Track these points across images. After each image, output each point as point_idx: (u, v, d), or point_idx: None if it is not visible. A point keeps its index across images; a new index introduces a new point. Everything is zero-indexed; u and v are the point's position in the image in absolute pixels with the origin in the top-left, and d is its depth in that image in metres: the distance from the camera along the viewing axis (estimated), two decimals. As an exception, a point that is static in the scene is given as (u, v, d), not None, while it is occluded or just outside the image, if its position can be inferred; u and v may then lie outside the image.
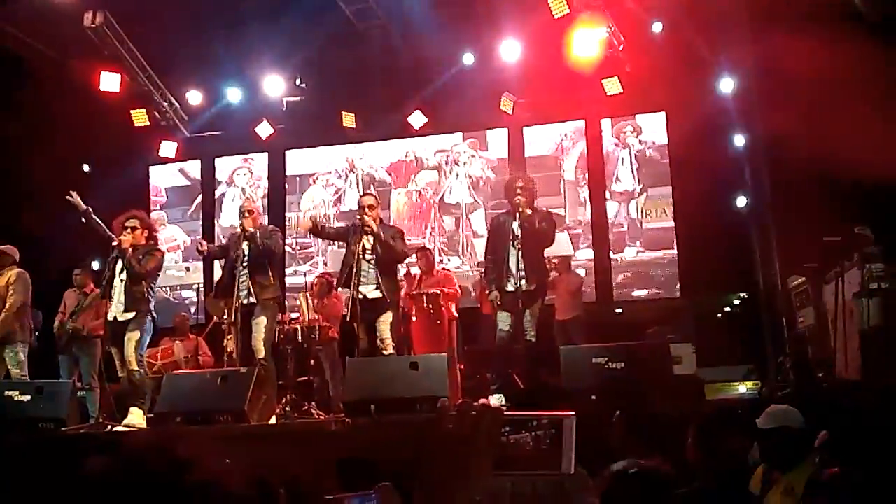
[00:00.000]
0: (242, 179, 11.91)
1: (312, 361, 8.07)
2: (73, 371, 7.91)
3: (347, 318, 6.44)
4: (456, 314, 8.25)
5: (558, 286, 8.63)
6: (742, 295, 10.51)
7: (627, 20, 9.65)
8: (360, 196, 7.13)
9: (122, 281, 6.32)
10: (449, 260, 10.76)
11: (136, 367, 6.19)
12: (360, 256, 6.42)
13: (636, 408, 4.83)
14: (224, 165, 11.93)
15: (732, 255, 9.86)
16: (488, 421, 1.25)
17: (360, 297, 6.35)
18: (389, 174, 11.46)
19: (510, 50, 10.07)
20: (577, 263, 10.04)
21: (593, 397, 5.34)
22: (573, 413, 1.41)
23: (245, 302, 6.44)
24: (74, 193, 6.63)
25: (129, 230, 6.37)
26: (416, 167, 11.39)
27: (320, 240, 11.29)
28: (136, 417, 6.07)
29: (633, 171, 10.62)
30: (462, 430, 1.22)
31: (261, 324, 6.37)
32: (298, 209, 11.61)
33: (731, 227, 9.97)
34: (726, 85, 9.89)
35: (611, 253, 10.48)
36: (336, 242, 11.30)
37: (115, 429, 6.22)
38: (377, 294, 6.41)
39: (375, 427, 5.53)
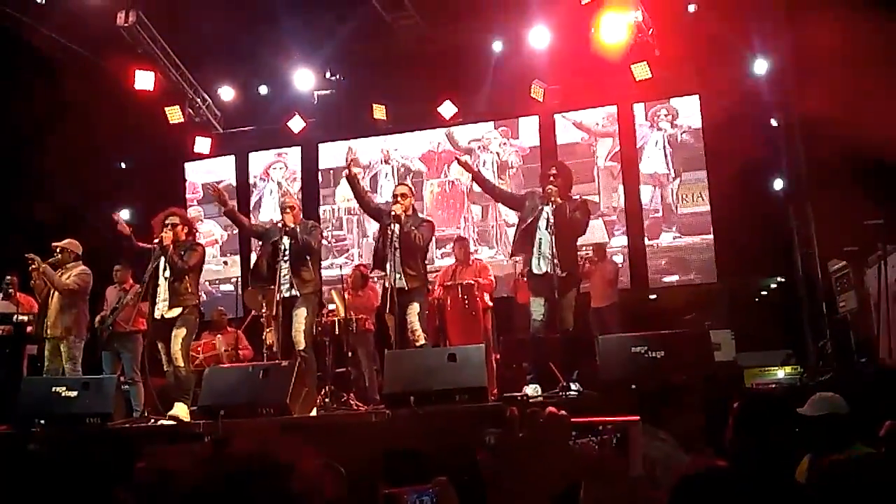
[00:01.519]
0: (278, 174, 12.01)
1: (350, 353, 8.15)
2: (116, 366, 8.06)
3: (386, 310, 6.48)
4: (490, 304, 8.26)
5: (594, 274, 8.59)
6: (779, 279, 10.39)
7: (657, 3, 9.54)
8: (395, 185, 7.14)
9: (165, 279, 6.41)
10: (478, 250, 10.73)
11: (181, 364, 6.29)
12: (390, 244, 6.48)
13: (676, 396, 4.81)
14: (258, 160, 12.03)
15: (769, 239, 9.74)
16: (557, 429, 1.26)
17: (392, 286, 6.40)
18: (422, 165, 11.47)
19: (539, 37, 10.01)
20: (612, 250, 9.97)
21: (633, 387, 5.31)
22: (639, 418, 1.41)
23: (286, 295, 6.51)
24: (118, 216, 6.72)
25: (169, 227, 6.46)
26: (448, 157, 11.38)
27: (354, 233, 11.38)
28: (180, 411, 6.18)
29: (666, 156, 10.52)
30: (532, 440, 1.23)
31: (301, 316, 6.43)
32: (333, 202, 11.67)
33: (767, 211, 9.84)
34: (760, 67, 9.75)
35: (646, 239, 10.40)
36: (369, 235, 11.39)
37: (159, 422, 6.34)
38: (401, 283, 6.45)
39: (416, 418, 5.56)
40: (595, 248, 8.99)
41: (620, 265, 9.77)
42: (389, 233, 6.49)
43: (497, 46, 10.50)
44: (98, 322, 8.03)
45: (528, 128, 11.10)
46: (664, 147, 10.53)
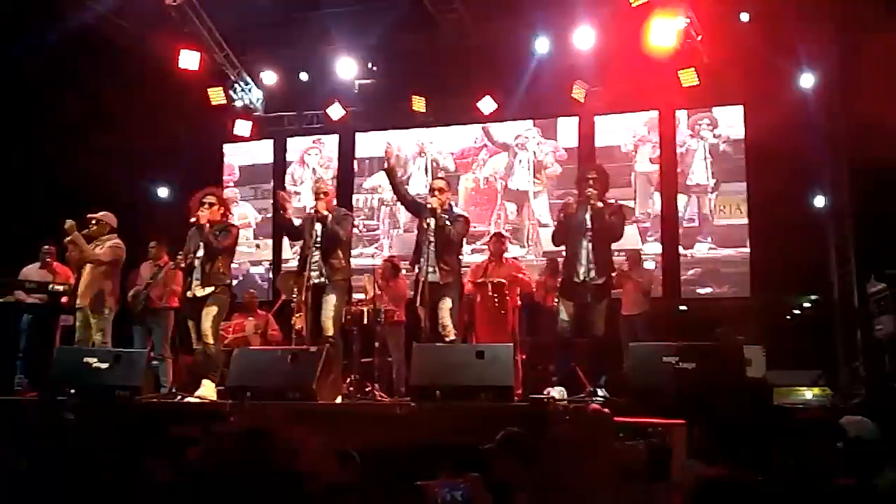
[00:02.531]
0: (313, 159, 12.07)
1: (377, 343, 8.17)
2: (147, 341, 8.16)
3: (417, 302, 6.47)
4: (519, 303, 8.23)
5: (627, 281, 8.52)
6: (814, 297, 10.24)
7: (707, 10, 9.42)
8: (433, 181, 7.11)
9: (198, 257, 6.46)
10: (508, 248, 10.67)
11: (211, 341, 6.33)
12: (425, 238, 6.46)
13: (706, 410, 4.75)
14: (295, 145, 12.10)
15: (807, 256, 9.58)
16: (601, 426, 1.24)
17: (424, 280, 6.40)
18: (457, 160, 11.46)
19: (584, 37, 9.94)
20: (644, 257, 9.88)
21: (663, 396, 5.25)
22: (685, 422, 1.39)
23: (316, 282, 6.52)
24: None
25: (206, 206, 6.49)
26: (484, 153, 11.35)
27: (386, 223, 11.41)
28: (207, 389, 6.23)
29: (706, 166, 10.40)
30: (576, 436, 1.21)
31: (330, 302, 6.43)
32: (367, 192, 11.71)
33: (806, 227, 9.69)
34: (807, 80, 9.59)
35: (680, 248, 10.30)
36: (400, 226, 11.41)
37: (186, 399, 6.41)
38: (435, 277, 6.43)
39: (441, 413, 5.56)
40: (628, 255, 8.91)
41: (654, 273, 9.68)
42: (425, 226, 6.48)
43: (540, 45, 10.44)
44: (131, 297, 8.13)
45: (567, 128, 11.03)
46: (705, 157, 10.41)
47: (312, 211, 6.68)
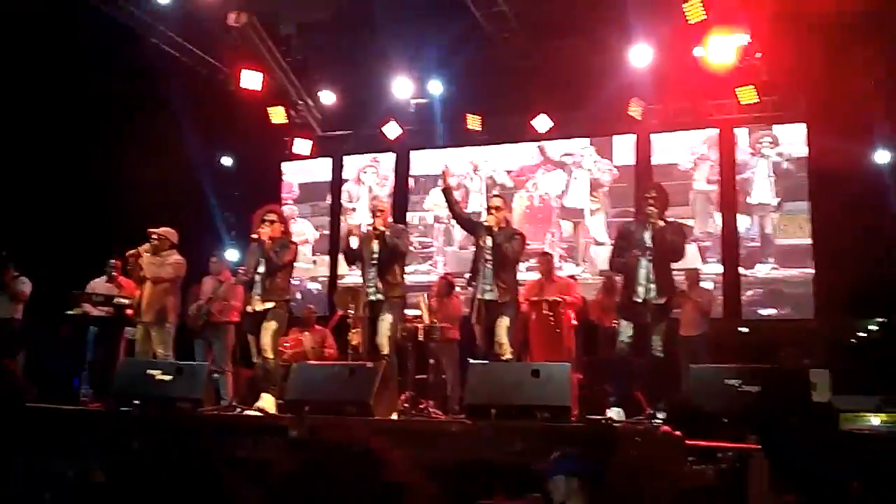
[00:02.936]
0: (370, 177, 12.21)
1: (431, 361, 8.19)
2: (207, 355, 8.33)
3: (472, 320, 6.48)
4: (575, 322, 8.17)
5: (686, 301, 8.38)
6: (880, 320, 9.91)
7: (767, 27, 9.28)
8: (490, 197, 7.13)
9: (259, 274, 6.57)
10: (562, 266, 10.62)
11: (271, 356, 6.43)
12: (482, 256, 6.47)
13: (772, 435, 4.63)
14: (352, 163, 12.26)
15: (872, 278, 9.29)
16: (672, 449, 1.22)
17: (481, 299, 6.39)
18: (512, 178, 11.46)
19: (641, 54, 9.88)
20: (704, 277, 9.70)
21: (724, 420, 5.14)
22: (760, 447, 1.36)
23: (373, 299, 6.58)
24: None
25: (267, 223, 6.61)
26: (539, 171, 11.33)
27: (440, 240, 11.47)
28: (267, 403, 6.31)
29: (769, 184, 10.19)
30: (646, 458, 1.20)
31: (387, 321, 6.48)
32: (423, 209, 11.79)
33: (872, 247, 9.40)
34: (873, 96, 9.34)
35: (741, 268, 10.09)
36: (454, 243, 11.44)
37: (245, 412, 6.51)
38: (492, 296, 6.42)
39: (496, 431, 5.54)
40: (687, 274, 8.77)
41: (713, 294, 9.49)
42: (482, 244, 6.49)
43: (597, 62, 10.40)
44: (193, 311, 8.31)
45: (624, 146, 10.94)
46: (768, 176, 10.20)
47: (370, 228, 6.75)
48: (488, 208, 6.73)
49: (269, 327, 6.46)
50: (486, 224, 6.52)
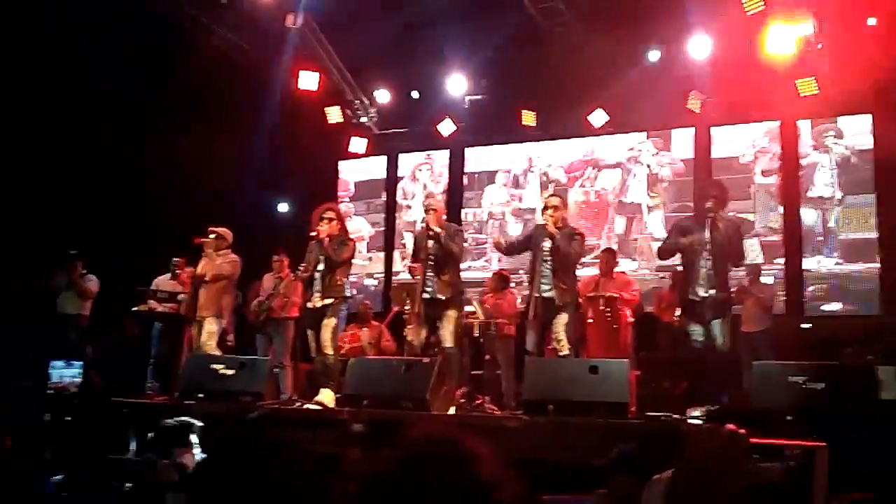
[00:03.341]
0: (424, 175, 12.28)
1: (487, 356, 8.22)
2: (268, 350, 8.52)
3: (529, 317, 6.47)
4: (632, 319, 8.10)
5: (747, 296, 8.22)
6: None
7: (829, 16, 9.02)
8: (547, 196, 7.09)
9: (319, 271, 6.68)
10: (619, 262, 10.48)
11: (330, 352, 6.53)
12: (540, 257, 6.45)
13: (836, 434, 4.52)
14: (407, 161, 12.35)
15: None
16: (736, 447, 1.22)
17: (538, 297, 6.38)
18: (567, 174, 11.39)
19: (699, 46, 9.71)
20: (765, 272, 9.49)
21: (788, 418, 5.04)
22: (825, 444, 1.34)
23: (427, 297, 6.62)
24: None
25: (325, 220, 6.72)
26: (594, 167, 11.24)
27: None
28: (326, 397, 6.42)
29: (832, 177, 9.91)
30: (711, 456, 1.20)
31: (451, 317, 6.54)
32: (478, 206, 11.81)
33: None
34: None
35: (803, 263, 9.84)
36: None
37: (305, 406, 6.63)
38: (551, 294, 6.40)
39: (553, 427, 5.54)
40: (748, 270, 8.59)
41: (775, 289, 9.29)
42: (541, 246, 6.47)
43: (653, 55, 10.27)
44: (254, 307, 8.50)
45: (682, 140, 10.77)
46: (832, 168, 9.93)
47: (424, 226, 6.80)
48: (545, 207, 6.68)
49: (329, 324, 6.56)
50: (545, 226, 6.49)
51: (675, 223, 6.75)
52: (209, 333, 7.39)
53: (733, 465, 1.22)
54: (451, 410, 6.35)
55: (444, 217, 7.00)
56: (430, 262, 6.63)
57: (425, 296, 6.62)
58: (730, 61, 9.64)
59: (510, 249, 7.21)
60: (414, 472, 0.99)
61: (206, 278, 7.45)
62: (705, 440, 1.22)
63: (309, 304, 6.69)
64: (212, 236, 7.58)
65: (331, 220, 6.74)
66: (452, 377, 6.54)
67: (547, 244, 6.45)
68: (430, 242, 6.65)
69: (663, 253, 6.49)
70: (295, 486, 1.35)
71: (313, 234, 6.70)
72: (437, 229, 6.59)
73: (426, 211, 6.86)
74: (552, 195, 7.38)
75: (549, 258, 6.43)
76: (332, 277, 6.64)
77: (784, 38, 8.85)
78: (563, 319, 6.38)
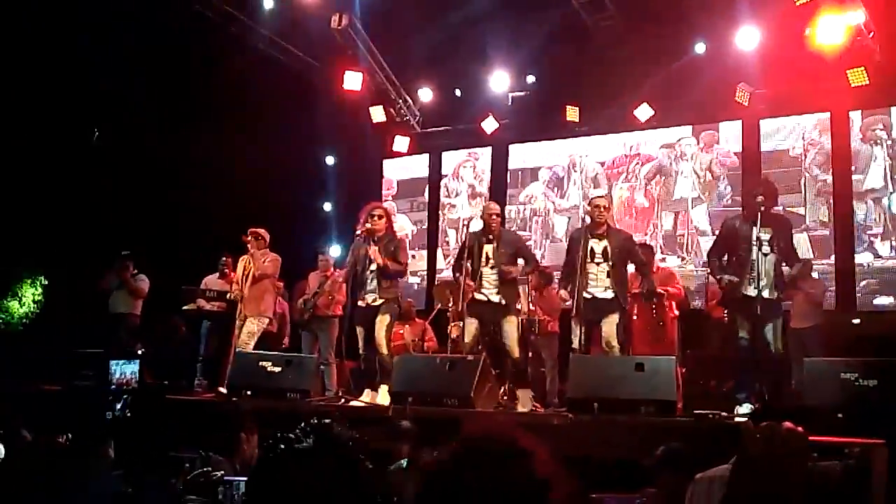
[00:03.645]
0: (468, 173, 12.29)
1: (531, 353, 8.18)
2: (313, 347, 8.60)
3: (573, 315, 6.44)
4: (676, 314, 7.99)
5: (796, 292, 8.05)
6: None
7: (880, 5, 8.78)
8: (594, 196, 7.01)
9: (371, 271, 6.74)
10: (665, 258, 10.36)
11: (385, 350, 6.59)
12: (589, 259, 6.41)
13: (889, 432, 4.41)
14: (450, 159, 12.38)
15: None
16: (795, 445, 1.21)
17: (589, 297, 6.36)
18: (611, 169, 11.29)
19: (747, 38, 9.53)
20: (817, 266, 9.28)
21: (839, 416, 4.93)
22: (883, 441, 1.31)
23: (481, 298, 6.62)
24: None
25: (374, 218, 6.78)
26: (639, 162, 11.12)
27: (538, 234, 11.44)
28: (382, 395, 6.47)
29: (885, 169, 9.63)
30: (770, 455, 1.19)
31: (513, 323, 6.56)
32: (522, 203, 11.77)
33: None
34: None
35: (855, 257, 9.59)
36: (552, 236, 11.38)
37: (350, 402, 6.70)
38: (609, 295, 6.37)
39: (598, 426, 5.50)
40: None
41: (825, 284, 9.07)
42: (588, 250, 6.43)
43: (700, 48, 10.12)
44: (300, 305, 8.60)
45: (730, 133, 10.57)
46: (884, 159, 9.65)
47: (480, 232, 6.82)
48: (593, 206, 6.63)
49: (383, 322, 6.63)
50: (594, 231, 6.48)
51: (723, 223, 6.64)
52: (249, 333, 7.51)
53: (793, 463, 1.21)
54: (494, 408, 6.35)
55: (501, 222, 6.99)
56: (491, 266, 6.59)
57: (480, 297, 6.61)
58: (778, 52, 9.45)
59: (570, 266, 6.80)
60: (472, 467, 1.01)
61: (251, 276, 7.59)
62: (764, 438, 1.20)
63: (362, 303, 6.74)
64: (251, 237, 7.71)
65: (380, 217, 6.79)
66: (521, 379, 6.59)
67: (599, 245, 6.42)
68: (489, 247, 6.64)
69: (712, 266, 6.41)
70: (360, 480, 1.37)
71: (359, 231, 6.76)
72: (493, 235, 6.60)
73: (486, 220, 6.78)
74: (599, 196, 7.26)
75: (601, 260, 6.41)
76: (386, 277, 6.69)
77: (834, 28, 8.65)
78: (614, 319, 6.36)
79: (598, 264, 6.38)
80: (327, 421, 1.34)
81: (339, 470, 1.37)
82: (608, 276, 6.36)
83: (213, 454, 3.29)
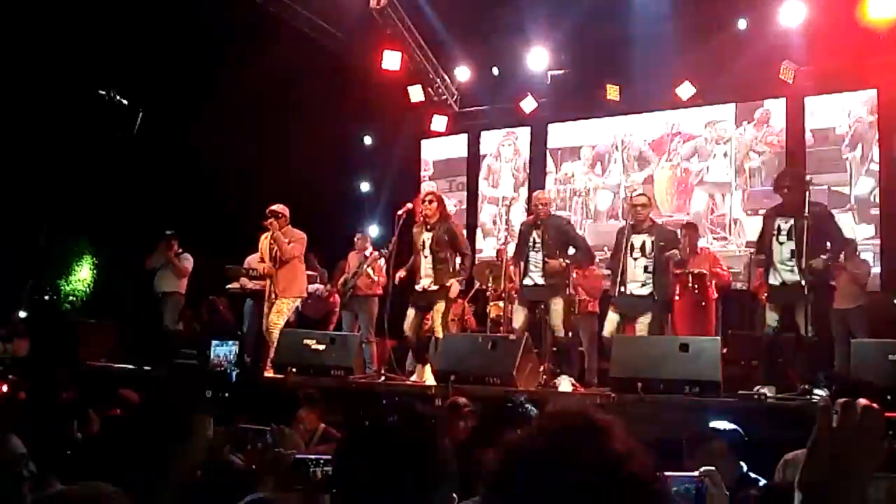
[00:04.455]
0: (507, 152, 12.25)
1: (570, 333, 8.19)
2: (353, 325, 8.72)
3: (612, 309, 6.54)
4: (717, 295, 7.95)
5: (841, 272, 7.93)
6: None
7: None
8: (632, 195, 7.09)
9: (426, 257, 6.84)
10: (712, 241, 10.25)
11: (441, 334, 6.71)
12: (629, 254, 6.50)
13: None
14: (489, 139, 12.34)
15: None
16: (871, 422, 1.22)
17: (626, 292, 6.52)
18: (653, 148, 11.17)
19: (792, 13, 9.33)
20: (863, 247, 9.12)
21: (889, 397, 4.88)
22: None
23: (529, 283, 6.76)
24: None
25: (427, 203, 6.87)
26: (680, 141, 10.98)
27: (579, 213, 11.40)
28: (427, 374, 6.59)
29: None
30: (846, 431, 1.20)
31: (559, 303, 6.70)
32: (563, 183, 11.71)
33: None
34: None
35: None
36: (593, 216, 11.33)
37: (390, 380, 6.80)
38: (645, 291, 6.49)
39: (642, 405, 5.51)
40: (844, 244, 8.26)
41: (871, 265, 8.92)
42: (629, 245, 6.49)
43: (742, 24, 9.93)
44: (340, 285, 8.70)
45: (774, 111, 10.38)
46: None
47: (531, 219, 6.99)
48: (633, 206, 6.69)
49: (440, 309, 6.81)
50: (640, 228, 6.56)
51: (768, 210, 6.67)
52: (278, 313, 7.53)
53: (871, 441, 1.22)
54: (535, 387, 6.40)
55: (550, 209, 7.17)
56: (535, 250, 6.76)
57: (527, 282, 6.72)
58: (824, 28, 9.23)
59: (613, 261, 7.03)
60: (553, 444, 1.04)
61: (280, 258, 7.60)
62: (842, 415, 1.22)
63: (419, 287, 6.83)
64: (272, 219, 7.64)
65: (431, 202, 6.87)
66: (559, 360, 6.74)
67: (639, 240, 6.49)
68: (537, 232, 6.79)
69: (757, 247, 6.46)
70: (441, 457, 1.41)
71: (400, 212, 6.83)
72: (543, 220, 6.70)
73: (535, 206, 6.99)
74: (640, 194, 7.28)
75: (639, 256, 6.49)
76: (444, 262, 6.81)
77: (886, 2, 8.44)
78: (646, 319, 6.50)
79: (635, 259, 6.48)
80: (410, 399, 1.38)
81: (423, 446, 1.41)
82: (645, 270, 6.47)
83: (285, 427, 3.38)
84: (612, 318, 6.62)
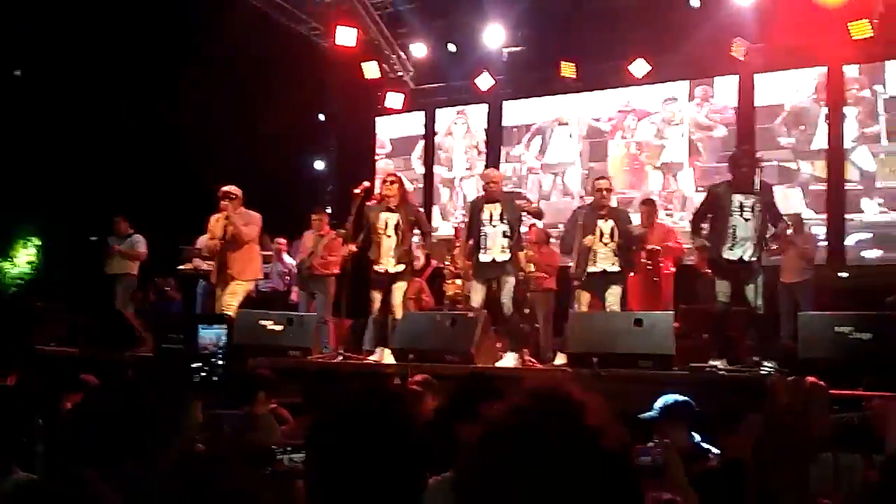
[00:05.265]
0: (460, 130, 12.21)
1: (527, 310, 8.25)
2: (310, 305, 8.65)
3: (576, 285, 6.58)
4: (673, 269, 8.08)
5: (788, 247, 8.12)
6: None
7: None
8: (597, 179, 7.06)
9: (388, 237, 6.77)
10: (664, 218, 10.39)
11: (400, 315, 6.70)
12: (598, 239, 6.56)
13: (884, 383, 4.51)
14: (444, 116, 12.28)
15: None
16: (818, 398, 1.25)
17: (599, 270, 6.54)
18: (606, 125, 11.24)
19: (744, -9, 9.45)
20: (810, 221, 9.35)
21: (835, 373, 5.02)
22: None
23: (485, 259, 6.68)
24: None
25: (387, 184, 6.81)
26: (635, 118, 11.07)
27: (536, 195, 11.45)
28: (386, 354, 6.56)
29: (879, 123, 9.63)
30: (795, 407, 1.23)
31: (510, 283, 6.63)
32: (515, 160, 11.73)
33: None
34: None
35: (846, 212, 9.65)
36: (546, 195, 11.39)
37: (347, 360, 6.78)
38: (615, 269, 6.55)
39: (597, 380, 5.58)
40: (791, 219, 8.47)
41: (817, 239, 9.15)
42: (598, 231, 6.54)
43: (695, 1, 10.02)
44: (297, 264, 8.62)
45: (725, 88, 10.52)
46: (876, 114, 9.65)
47: (482, 196, 6.90)
48: (598, 190, 6.71)
49: (401, 288, 6.77)
50: (600, 212, 6.59)
51: (709, 188, 6.73)
52: (232, 294, 7.27)
53: (817, 415, 1.25)
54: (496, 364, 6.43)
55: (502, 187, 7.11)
56: (493, 226, 6.66)
57: (484, 258, 6.66)
58: (777, 5, 9.37)
59: (566, 240, 7.08)
60: (527, 419, 1.05)
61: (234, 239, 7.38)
62: (791, 391, 1.25)
63: (380, 268, 6.76)
64: (226, 200, 7.25)
65: (392, 183, 6.82)
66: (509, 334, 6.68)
67: (607, 226, 6.55)
68: (492, 212, 6.69)
69: (694, 229, 6.51)
70: (413, 433, 1.40)
71: (357, 190, 6.78)
72: (499, 199, 6.66)
73: (486, 184, 6.88)
74: (602, 177, 7.27)
75: (608, 240, 6.57)
76: (406, 244, 6.77)
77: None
78: (617, 291, 6.57)
79: (605, 244, 6.55)
80: (377, 379, 1.37)
81: (395, 424, 1.41)
82: (614, 253, 6.55)
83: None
84: (585, 297, 6.65)
